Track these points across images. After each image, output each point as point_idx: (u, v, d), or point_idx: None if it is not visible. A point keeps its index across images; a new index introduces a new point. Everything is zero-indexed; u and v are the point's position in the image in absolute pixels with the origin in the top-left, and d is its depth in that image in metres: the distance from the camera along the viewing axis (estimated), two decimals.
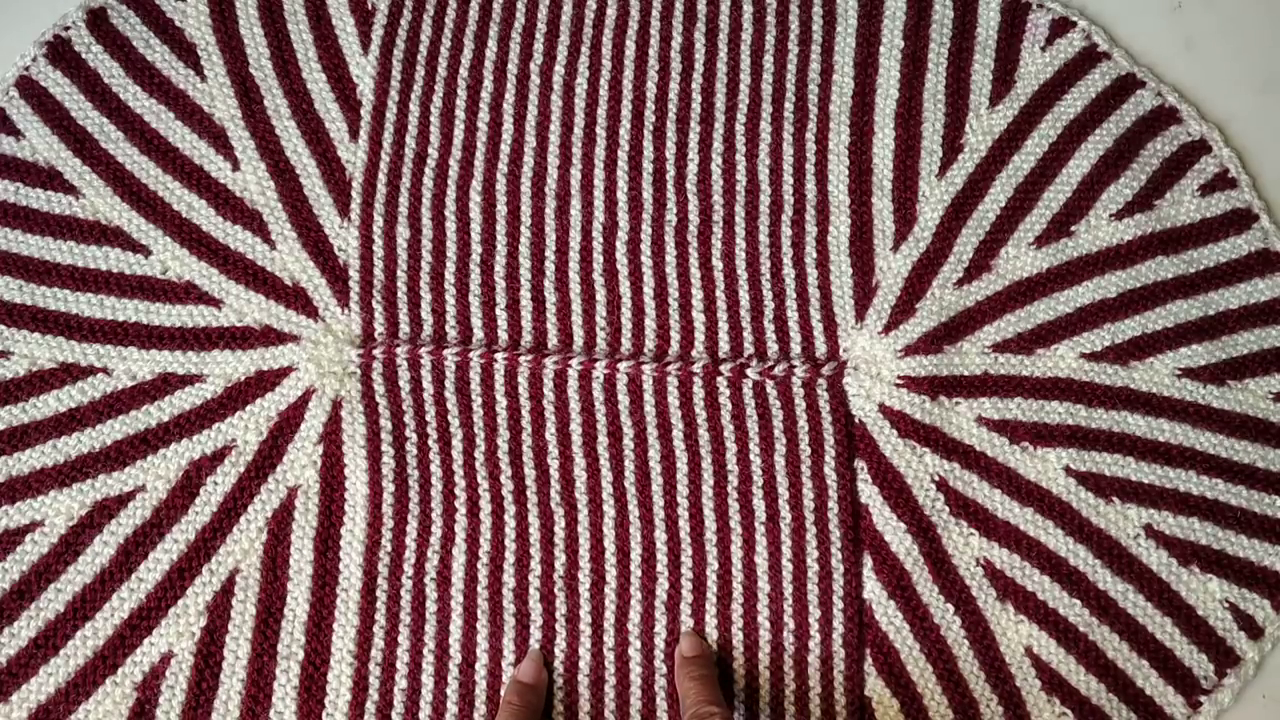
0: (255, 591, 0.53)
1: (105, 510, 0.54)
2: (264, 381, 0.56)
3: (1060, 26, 0.61)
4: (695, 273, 0.58)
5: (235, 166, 0.59)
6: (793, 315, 0.58)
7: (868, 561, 0.54)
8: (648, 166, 0.60)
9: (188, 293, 0.57)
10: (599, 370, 0.56)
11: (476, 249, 0.58)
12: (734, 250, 0.58)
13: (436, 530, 0.54)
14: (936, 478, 0.55)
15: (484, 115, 0.60)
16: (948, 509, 0.55)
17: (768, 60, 0.61)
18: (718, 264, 0.58)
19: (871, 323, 0.57)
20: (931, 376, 0.56)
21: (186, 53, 0.60)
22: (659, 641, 0.53)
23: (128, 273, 0.57)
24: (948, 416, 0.56)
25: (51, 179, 0.58)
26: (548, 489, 0.55)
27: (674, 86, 0.61)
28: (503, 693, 0.51)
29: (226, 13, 0.61)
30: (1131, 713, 0.52)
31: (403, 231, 0.58)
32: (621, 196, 0.59)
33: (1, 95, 0.59)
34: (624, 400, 0.56)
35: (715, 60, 0.61)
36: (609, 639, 0.53)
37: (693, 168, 0.60)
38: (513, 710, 0.50)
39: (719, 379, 0.56)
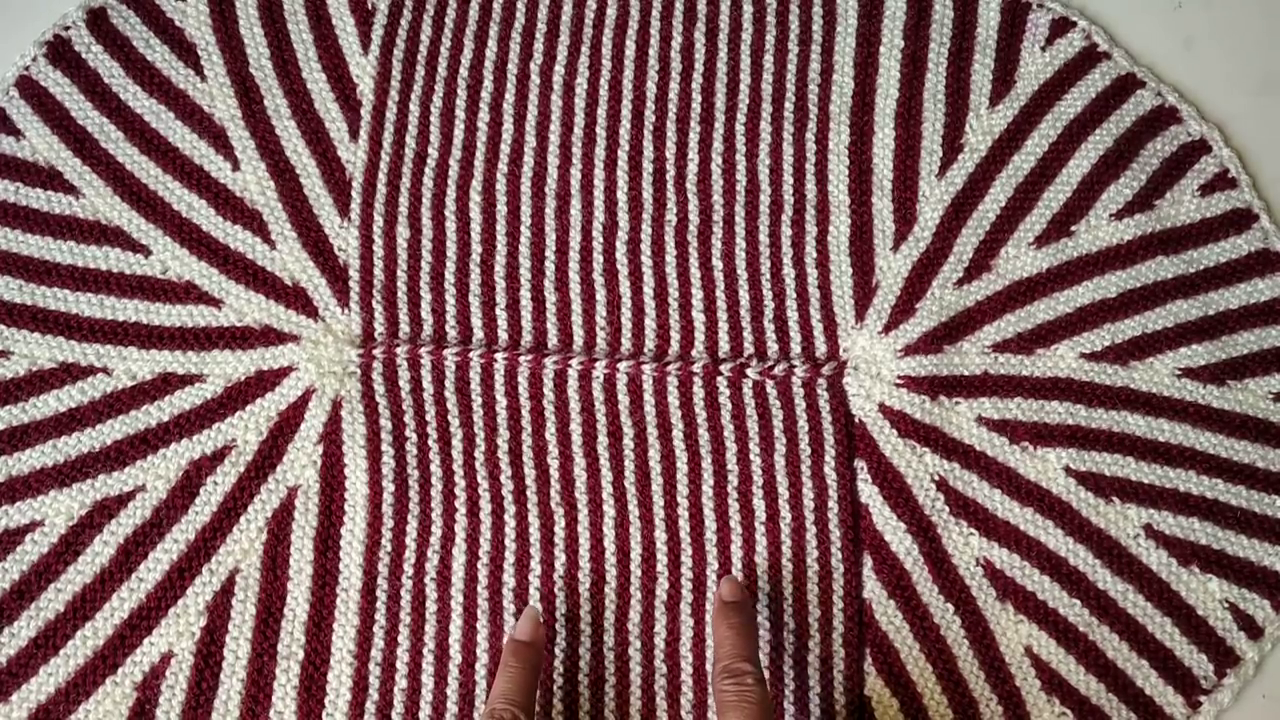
0: (255, 591, 0.53)
1: (105, 510, 0.54)
2: (264, 381, 0.56)
3: (1060, 26, 0.61)
4: (695, 273, 0.58)
5: (235, 166, 0.59)
6: (793, 315, 0.58)
7: (868, 561, 0.54)
8: (648, 166, 0.60)
9: (188, 293, 0.57)
10: (599, 370, 0.56)
11: (476, 249, 0.58)
12: (734, 250, 0.58)
13: (436, 530, 0.54)
14: (936, 478, 0.55)
15: (484, 115, 0.60)
16: (948, 509, 0.55)
17: (768, 60, 0.61)
18: (718, 264, 0.58)
19: (871, 323, 0.57)
20: (931, 376, 0.56)
21: (186, 53, 0.60)
22: (659, 641, 0.53)
23: (128, 273, 0.57)
24: (948, 416, 0.56)
25: (51, 179, 0.58)
26: (548, 489, 0.55)
27: (674, 86, 0.61)
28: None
29: (226, 13, 0.61)
30: (1131, 713, 0.52)
31: (403, 231, 0.58)
32: (621, 196, 0.59)
33: (1, 95, 0.59)
34: (624, 400, 0.56)
35: (715, 60, 0.61)
36: (609, 639, 0.53)
37: (693, 168, 0.60)
38: (512, 673, 0.48)
39: (719, 379, 0.56)
